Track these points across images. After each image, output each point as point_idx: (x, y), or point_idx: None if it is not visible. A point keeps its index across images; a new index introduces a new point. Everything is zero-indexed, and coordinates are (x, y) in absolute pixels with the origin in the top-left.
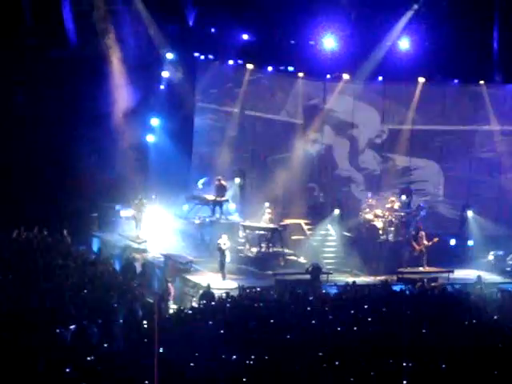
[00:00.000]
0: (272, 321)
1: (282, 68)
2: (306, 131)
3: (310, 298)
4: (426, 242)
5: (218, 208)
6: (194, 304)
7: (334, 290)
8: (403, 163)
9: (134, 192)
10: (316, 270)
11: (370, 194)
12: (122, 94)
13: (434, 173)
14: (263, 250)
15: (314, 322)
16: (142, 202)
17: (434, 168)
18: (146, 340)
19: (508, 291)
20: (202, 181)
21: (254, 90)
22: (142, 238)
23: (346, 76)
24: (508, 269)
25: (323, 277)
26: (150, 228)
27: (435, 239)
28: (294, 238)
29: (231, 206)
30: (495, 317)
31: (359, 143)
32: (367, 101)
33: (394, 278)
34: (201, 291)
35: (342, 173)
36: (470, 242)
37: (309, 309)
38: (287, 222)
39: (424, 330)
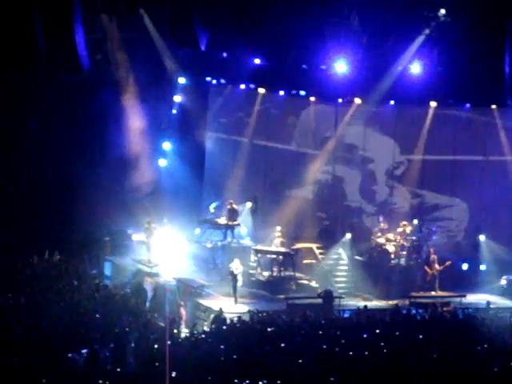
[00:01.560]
0: (283, 345)
1: (293, 92)
2: (316, 161)
3: (322, 322)
4: (437, 266)
5: (229, 232)
6: (206, 328)
7: (345, 315)
8: (432, 200)
9: (146, 216)
10: (328, 295)
11: (381, 218)
12: (134, 119)
13: (460, 211)
14: (275, 274)
15: (325, 346)
16: (151, 225)
17: (462, 206)
18: (157, 364)
19: None
20: (213, 205)
21: (265, 119)
22: (154, 261)
23: (357, 100)
24: None
25: (335, 301)
26: (162, 252)
27: (447, 263)
28: (305, 261)
29: (243, 230)
30: (507, 341)
31: (373, 174)
32: (379, 126)
33: (406, 302)
34: (212, 315)
35: (351, 204)
36: (483, 267)
37: (320, 333)
38: (299, 246)
39: (435, 355)
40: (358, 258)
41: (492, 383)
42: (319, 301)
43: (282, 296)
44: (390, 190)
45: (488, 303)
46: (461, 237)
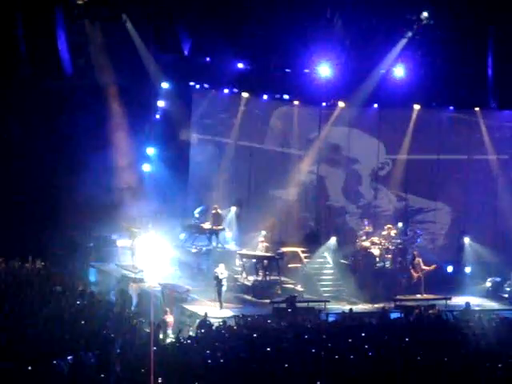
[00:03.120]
0: (270, 349)
1: (277, 96)
2: (301, 162)
3: (308, 326)
4: (424, 267)
5: (214, 237)
6: (192, 333)
7: (331, 318)
8: (416, 203)
9: (130, 221)
10: (291, 301)
11: (366, 222)
12: (117, 124)
13: (443, 214)
14: (260, 278)
15: (312, 350)
16: (133, 230)
17: (445, 209)
18: (143, 370)
19: (505, 318)
20: (198, 210)
21: (249, 120)
22: (139, 267)
23: (341, 104)
24: (505, 295)
25: (298, 304)
26: (147, 257)
27: (433, 266)
28: (290, 266)
29: (228, 235)
30: (492, 343)
31: (357, 175)
32: (363, 129)
33: (392, 305)
34: (198, 320)
35: (334, 204)
36: (467, 269)
37: (306, 337)
38: (284, 250)
39: (420, 358)
40: (343, 261)
41: None
42: (305, 304)
43: (268, 300)
44: (375, 191)
45: (468, 304)
46: (444, 239)
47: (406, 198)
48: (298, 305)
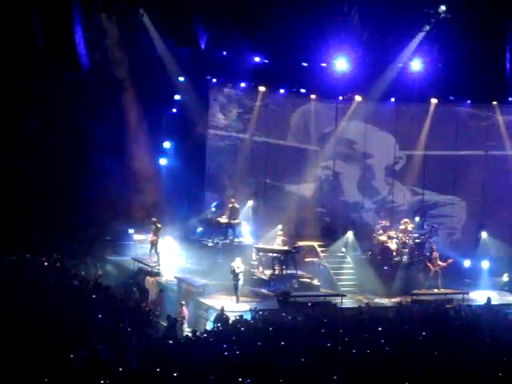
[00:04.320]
0: (286, 343)
1: (294, 90)
2: (317, 157)
3: (325, 321)
4: (440, 263)
5: (231, 231)
6: (208, 327)
7: (348, 312)
8: (432, 198)
9: (148, 215)
10: (285, 296)
11: (383, 216)
12: (134, 118)
13: (459, 209)
14: (277, 272)
15: (328, 344)
16: (157, 225)
17: (461, 204)
18: (159, 364)
19: None
20: (214, 203)
21: (266, 115)
22: (156, 261)
23: (358, 97)
24: None
25: (291, 300)
26: (164, 251)
27: (450, 260)
28: (307, 259)
29: (244, 229)
30: (510, 338)
31: (373, 170)
32: (380, 123)
33: (409, 299)
34: (214, 314)
35: (349, 199)
36: (485, 264)
37: (323, 331)
38: (301, 244)
39: (437, 352)
40: (360, 255)
41: (494, 380)
42: (322, 299)
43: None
44: (390, 186)
45: (489, 300)
46: (461, 234)
47: (422, 192)
48: (315, 299)
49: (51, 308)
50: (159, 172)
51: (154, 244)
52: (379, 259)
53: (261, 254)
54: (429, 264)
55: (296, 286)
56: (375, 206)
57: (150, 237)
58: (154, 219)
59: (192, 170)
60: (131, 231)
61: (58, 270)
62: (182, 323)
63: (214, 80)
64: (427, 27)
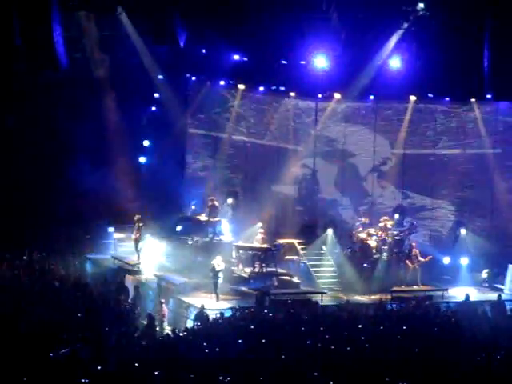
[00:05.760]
0: (266, 341)
1: (273, 88)
2: (297, 155)
3: (305, 318)
4: (420, 259)
5: (210, 229)
6: (188, 325)
7: (328, 310)
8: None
9: (128, 214)
10: (262, 297)
11: (362, 213)
12: (113, 116)
13: (442, 210)
14: (257, 270)
15: (308, 342)
16: (139, 223)
17: (441, 202)
18: (139, 362)
19: (501, 308)
20: (194, 201)
21: (245, 113)
22: (135, 259)
23: (337, 95)
24: (501, 286)
25: (267, 300)
26: (143, 249)
27: (428, 257)
28: (287, 257)
29: (224, 227)
30: (488, 334)
31: (353, 168)
32: (358, 122)
33: (388, 296)
34: (194, 312)
35: (327, 197)
36: (464, 260)
37: (303, 329)
38: (281, 241)
39: (417, 349)
40: (339, 252)
41: (474, 375)
42: (302, 296)
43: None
44: (371, 185)
45: (467, 296)
46: (442, 232)
47: (402, 191)
48: (295, 297)
49: (30, 307)
50: (139, 170)
51: (137, 242)
52: (359, 256)
53: (241, 251)
54: (408, 261)
55: (276, 283)
56: (354, 203)
57: (133, 235)
58: (136, 217)
59: (171, 168)
60: (111, 229)
61: (37, 269)
62: (162, 321)
63: (193, 78)
64: (406, 25)
